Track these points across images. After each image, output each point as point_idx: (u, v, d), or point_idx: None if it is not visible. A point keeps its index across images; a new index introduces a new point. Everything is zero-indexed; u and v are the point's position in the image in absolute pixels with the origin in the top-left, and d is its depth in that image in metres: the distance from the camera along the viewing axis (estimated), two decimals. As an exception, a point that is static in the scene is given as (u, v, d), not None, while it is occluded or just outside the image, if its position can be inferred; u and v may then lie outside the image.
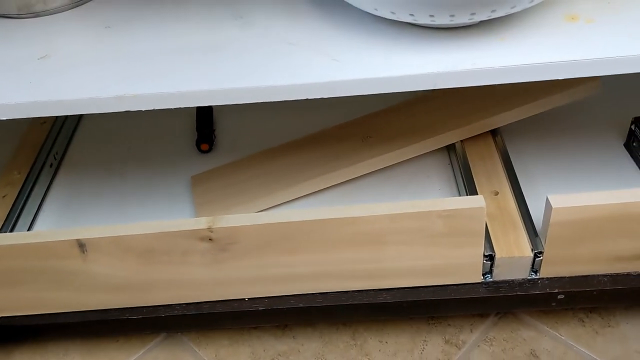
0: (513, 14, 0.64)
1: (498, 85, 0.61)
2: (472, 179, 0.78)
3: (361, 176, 0.84)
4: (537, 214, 0.71)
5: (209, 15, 0.71)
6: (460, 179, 0.80)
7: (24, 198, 0.83)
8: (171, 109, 0.63)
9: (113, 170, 0.90)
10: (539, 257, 0.70)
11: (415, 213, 0.65)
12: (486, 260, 0.70)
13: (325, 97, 0.61)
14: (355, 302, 0.72)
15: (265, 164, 0.85)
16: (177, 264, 0.69)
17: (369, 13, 0.65)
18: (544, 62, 0.60)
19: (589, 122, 0.89)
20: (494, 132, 0.84)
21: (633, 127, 0.82)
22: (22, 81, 0.64)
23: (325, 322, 0.80)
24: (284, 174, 0.83)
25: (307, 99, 0.62)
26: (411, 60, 0.62)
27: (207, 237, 0.67)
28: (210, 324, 0.75)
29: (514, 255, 0.69)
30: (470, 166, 0.80)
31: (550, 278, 0.71)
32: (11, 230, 0.79)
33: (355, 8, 0.66)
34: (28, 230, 0.81)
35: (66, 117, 0.96)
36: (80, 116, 0.99)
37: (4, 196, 0.83)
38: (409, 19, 0.61)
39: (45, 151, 0.90)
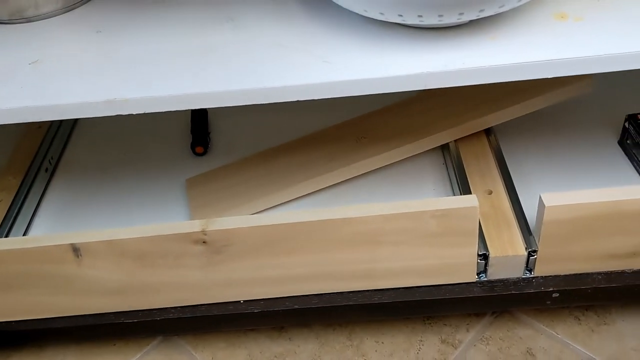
0: (503, 13, 0.64)
1: (491, 84, 0.62)
2: (466, 178, 0.78)
3: (356, 177, 0.84)
4: (531, 212, 0.71)
5: (200, 18, 0.71)
6: (455, 178, 0.80)
7: (20, 203, 0.83)
8: (166, 112, 0.63)
9: (109, 174, 0.90)
10: (533, 255, 0.70)
11: (408, 213, 0.66)
12: (480, 260, 0.70)
13: (317, 98, 0.61)
14: (351, 303, 0.72)
15: (260, 166, 0.85)
16: (171, 267, 0.69)
17: (359, 14, 0.65)
18: (535, 60, 0.60)
19: (582, 120, 0.89)
20: (487, 131, 0.84)
21: (627, 124, 0.82)
22: (13, 86, 0.64)
23: (321, 323, 0.81)
24: (278, 176, 0.83)
25: (300, 101, 0.62)
26: (402, 61, 0.62)
27: (201, 239, 0.67)
28: (206, 326, 0.75)
29: (508, 254, 0.69)
30: (464, 165, 0.80)
31: (545, 276, 0.71)
32: (6, 235, 0.79)
33: (346, 9, 0.66)
34: (24, 235, 0.81)
35: (61, 121, 0.97)
36: (76, 120, 0.99)
37: (-1, 201, 0.83)
38: (398, 20, 0.61)
39: (41, 156, 0.90)
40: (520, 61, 0.60)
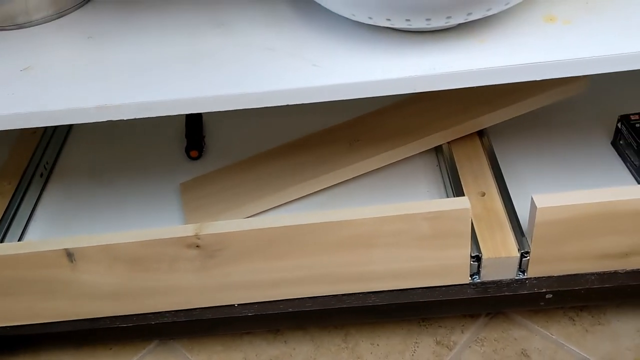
0: (492, 16, 0.65)
1: (483, 86, 0.62)
2: (459, 180, 0.78)
3: (349, 179, 0.84)
4: (523, 214, 0.71)
5: (190, 24, 0.72)
6: (448, 180, 0.80)
7: (15, 208, 0.83)
8: (160, 117, 0.63)
9: (103, 179, 0.90)
10: (526, 257, 0.70)
11: (401, 216, 0.66)
12: (473, 261, 0.70)
13: (307, 102, 0.62)
14: (345, 306, 0.72)
15: (254, 170, 0.86)
16: (165, 271, 0.69)
17: (348, 19, 0.65)
18: (523, 63, 0.60)
19: (575, 121, 0.89)
20: (480, 133, 0.85)
21: (619, 125, 0.82)
22: (5, 93, 0.64)
23: (316, 326, 0.81)
24: (272, 179, 0.83)
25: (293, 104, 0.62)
26: (391, 65, 0.62)
27: (195, 244, 0.67)
28: (201, 330, 0.75)
29: (501, 255, 0.70)
30: (457, 167, 0.80)
31: (538, 278, 0.71)
32: (1, 241, 0.79)
33: (335, 14, 0.66)
34: (19, 240, 0.81)
35: (56, 126, 0.97)
36: (70, 126, 0.99)
37: (-6, 206, 0.83)
38: (387, 24, 0.61)
39: (36, 161, 0.90)
40: (509, 64, 0.60)
